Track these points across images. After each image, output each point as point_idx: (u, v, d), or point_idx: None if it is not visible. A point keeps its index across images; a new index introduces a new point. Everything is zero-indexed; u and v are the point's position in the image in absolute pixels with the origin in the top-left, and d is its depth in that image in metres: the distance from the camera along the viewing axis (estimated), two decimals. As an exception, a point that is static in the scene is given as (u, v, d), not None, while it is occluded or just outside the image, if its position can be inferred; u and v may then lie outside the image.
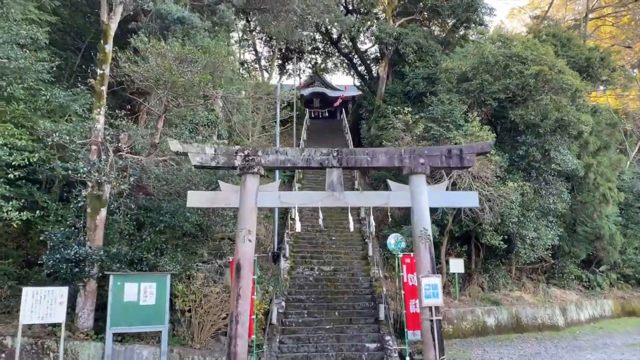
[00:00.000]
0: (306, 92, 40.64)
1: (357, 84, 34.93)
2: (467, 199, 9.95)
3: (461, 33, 31.09)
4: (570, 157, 18.63)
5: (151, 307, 10.87)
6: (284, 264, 16.41)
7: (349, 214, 10.09)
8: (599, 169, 19.89)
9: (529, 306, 19.17)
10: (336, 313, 14.41)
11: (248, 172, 9.49)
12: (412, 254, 12.42)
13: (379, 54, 29.13)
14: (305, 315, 14.29)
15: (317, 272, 16.39)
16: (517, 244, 18.68)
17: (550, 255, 20.11)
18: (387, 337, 12.85)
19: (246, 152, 9.58)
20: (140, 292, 10.81)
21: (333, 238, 18.63)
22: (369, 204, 9.83)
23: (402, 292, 11.96)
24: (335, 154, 9.69)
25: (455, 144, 16.99)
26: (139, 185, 11.47)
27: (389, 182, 10.00)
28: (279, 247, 17.66)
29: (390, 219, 22.45)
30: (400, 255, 12.12)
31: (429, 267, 9.37)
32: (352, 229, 10.46)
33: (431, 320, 9.10)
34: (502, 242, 18.13)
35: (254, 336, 11.53)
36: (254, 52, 33.65)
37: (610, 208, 20.39)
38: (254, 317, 11.51)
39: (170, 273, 11.24)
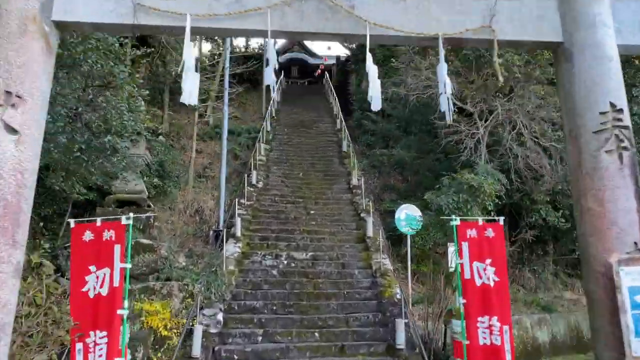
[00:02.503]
0: (282, 59, 33.68)
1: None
2: None
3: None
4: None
5: None
6: (232, 249, 9.56)
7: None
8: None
9: (593, 314, 12.68)
10: (316, 334, 7.62)
11: None
12: (480, 219, 5.70)
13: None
14: (260, 338, 7.46)
15: (285, 262, 9.58)
16: (580, 223, 12.19)
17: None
18: (417, 388, 6.17)
19: None
20: None
21: (312, 212, 11.85)
22: (434, 28, 2.95)
23: (461, 300, 5.30)
24: None
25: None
26: None
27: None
28: (225, 223, 10.79)
29: (391, 192, 15.81)
30: (456, 222, 5.43)
31: (638, 232, 2.64)
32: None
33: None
34: (562, 221, 11.73)
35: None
36: None
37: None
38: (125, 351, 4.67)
39: None
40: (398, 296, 8.32)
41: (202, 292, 7.87)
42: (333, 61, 32.29)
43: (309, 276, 9.17)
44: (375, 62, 3.31)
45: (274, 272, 9.24)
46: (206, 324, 7.37)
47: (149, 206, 8.78)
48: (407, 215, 10.42)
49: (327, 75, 27.83)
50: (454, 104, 11.88)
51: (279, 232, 10.68)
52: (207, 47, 23.97)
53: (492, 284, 5.30)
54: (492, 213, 7.27)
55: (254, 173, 13.16)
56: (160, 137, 11.73)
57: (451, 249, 11.67)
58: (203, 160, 17.21)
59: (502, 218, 5.57)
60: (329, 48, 30.93)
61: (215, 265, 8.70)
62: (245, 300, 8.36)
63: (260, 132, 16.39)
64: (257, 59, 25.87)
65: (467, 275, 5.31)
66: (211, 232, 10.57)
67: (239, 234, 10.13)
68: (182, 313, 7.58)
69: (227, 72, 13.37)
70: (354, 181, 13.40)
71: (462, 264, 5.38)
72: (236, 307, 8.12)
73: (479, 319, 5.26)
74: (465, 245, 5.36)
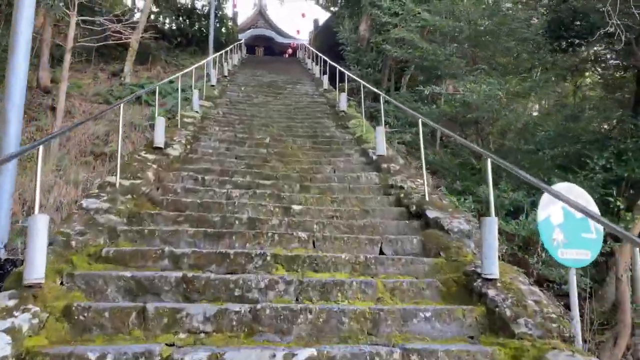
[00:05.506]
0: (246, 35, 26.57)
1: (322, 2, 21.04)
2: None
3: None
4: None
5: None
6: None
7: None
8: None
9: None
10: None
11: None
12: None
13: None
14: None
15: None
16: None
17: None
18: None
19: None
20: None
21: (295, 208, 4.55)
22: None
23: None
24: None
25: None
26: None
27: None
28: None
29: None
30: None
31: None
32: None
33: None
34: None
35: None
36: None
37: None
38: None
39: None
40: None
41: None
42: (306, 41, 25.53)
43: None
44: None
45: None
46: None
47: None
48: (568, 215, 3.42)
49: (305, 46, 20.74)
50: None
51: (196, 260, 3.28)
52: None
53: None
54: None
55: (159, 124, 5.71)
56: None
57: None
58: (97, 129, 9.91)
59: None
60: (304, 15, 23.89)
61: None
62: None
63: (193, 82, 8.90)
64: (205, 17, 18.97)
65: None
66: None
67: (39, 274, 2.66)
68: None
69: None
70: (381, 150, 6.18)
71: None
72: None
73: None
74: None
